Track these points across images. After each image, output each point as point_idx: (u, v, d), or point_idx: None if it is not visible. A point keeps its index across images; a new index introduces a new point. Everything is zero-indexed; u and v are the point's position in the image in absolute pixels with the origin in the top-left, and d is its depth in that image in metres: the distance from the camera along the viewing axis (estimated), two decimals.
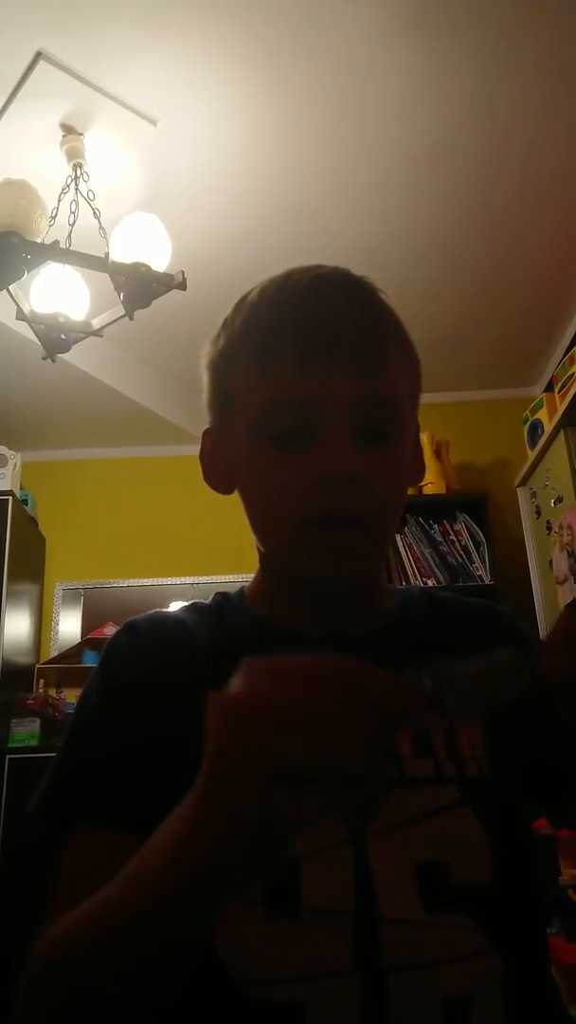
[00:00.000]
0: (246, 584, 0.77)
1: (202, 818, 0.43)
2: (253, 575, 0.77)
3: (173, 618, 0.73)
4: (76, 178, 2.57)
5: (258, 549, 0.74)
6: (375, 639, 0.69)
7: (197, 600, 0.78)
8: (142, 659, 0.69)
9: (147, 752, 0.64)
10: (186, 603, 0.78)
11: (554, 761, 0.68)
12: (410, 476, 0.73)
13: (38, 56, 2.27)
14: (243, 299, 0.72)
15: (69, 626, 3.92)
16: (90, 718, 0.68)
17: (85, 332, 2.49)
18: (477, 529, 3.63)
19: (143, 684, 0.67)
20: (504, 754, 0.66)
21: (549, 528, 3.36)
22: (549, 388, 3.57)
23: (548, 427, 3.33)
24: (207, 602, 0.77)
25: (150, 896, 0.46)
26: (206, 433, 0.75)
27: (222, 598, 0.77)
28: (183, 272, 2.34)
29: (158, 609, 0.75)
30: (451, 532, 3.61)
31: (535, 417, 3.54)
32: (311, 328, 0.65)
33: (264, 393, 0.66)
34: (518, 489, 3.72)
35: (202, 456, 0.76)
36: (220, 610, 0.75)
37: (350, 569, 0.66)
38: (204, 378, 0.75)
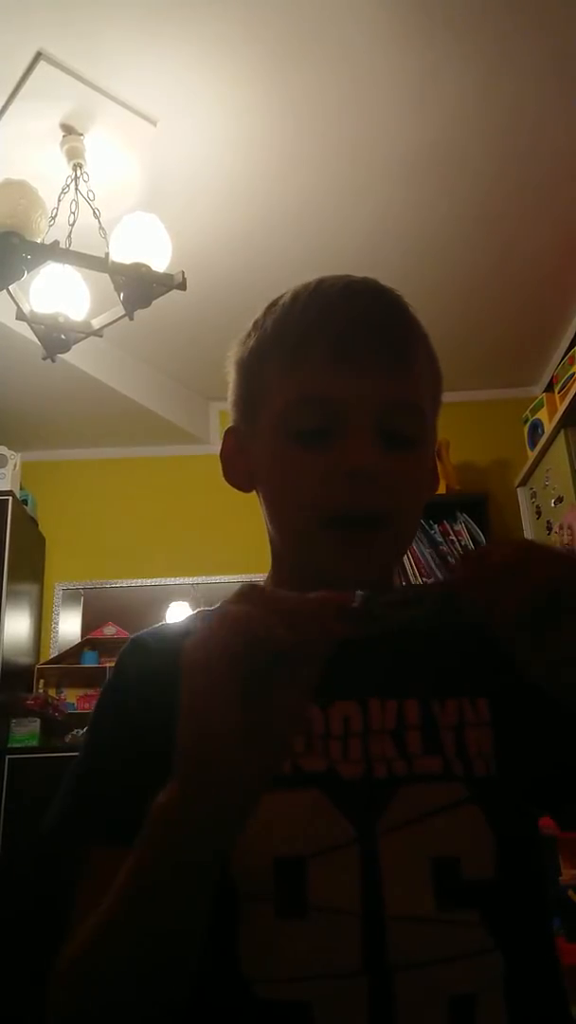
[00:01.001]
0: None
1: (193, 754, 0.48)
2: (253, 575, 0.77)
3: (180, 631, 0.74)
4: (76, 178, 2.57)
5: (272, 546, 0.74)
6: (386, 636, 0.69)
7: (204, 608, 0.78)
8: (150, 676, 0.69)
9: (159, 766, 0.64)
10: (187, 605, 0.78)
11: (559, 763, 0.68)
12: (429, 485, 0.74)
13: (38, 56, 2.27)
14: (274, 303, 0.73)
15: (69, 626, 3.91)
16: (102, 738, 0.69)
17: (85, 332, 2.49)
18: (477, 529, 3.62)
19: (151, 702, 0.68)
20: (511, 754, 0.66)
21: (549, 528, 3.36)
22: (549, 388, 3.57)
23: (548, 427, 3.34)
24: (214, 609, 0.77)
25: (168, 843, 0.50)
26: (229, 431, 0.76)
27: None
28: (183, 272, 2.34)
29: (164, 623, 0.76)
30: (451, 532, 3.61)
31: (535, 417, 3.54)
32: (343, 330, 0.67)
33: (292, 390, 0.67)
34: (518, 489, 3.72)
35: (223, 454, 0.76)
36: None
37: (370, 568, 0.67)
38: (231, 377, 0.76)
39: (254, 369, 0.73)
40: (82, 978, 0.55)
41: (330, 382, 0.66)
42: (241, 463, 0.75)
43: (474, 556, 0.52)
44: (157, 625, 0.76)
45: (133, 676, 0.71)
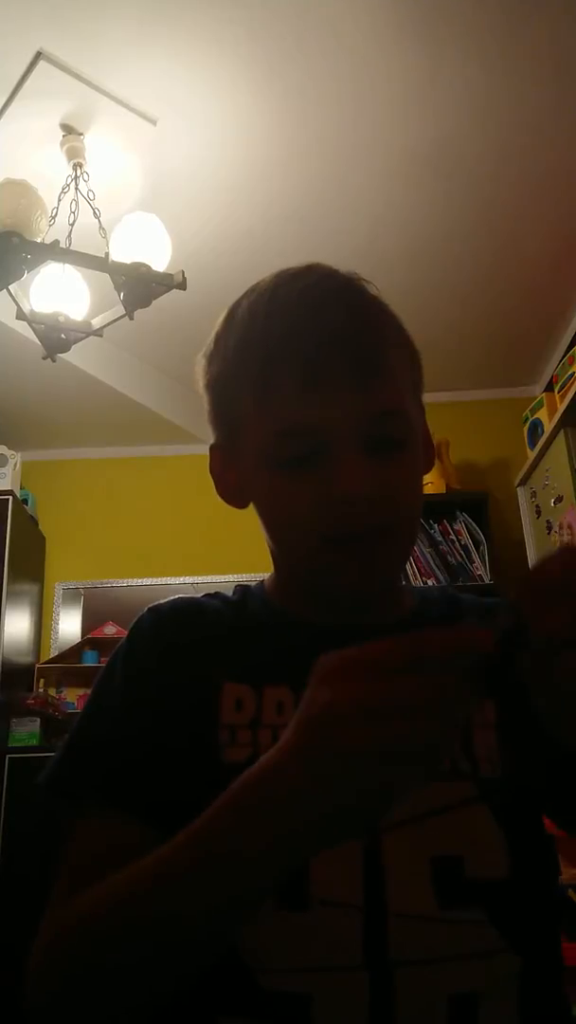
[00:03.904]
0: (265, 579, 0.78)
1: (288, 797, 0.45)
2: (253, 575, 0.77)
3: (196, 603, 0.74)
4: (76, 178, 2.57)
5: (272, 554, 0.74)
6: (391, 631, 0.70)
7: (220, 591, 0.78)
8: (164, 642, 0.70)
9: (161, 735, 0.65)
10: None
11: (562, 768, 0.68)
12: (425, 469, 0.72)
13: (38, 56, 2.27)
14: (232, 314, 0.71)
15: (69, 626, 3.92)
16: (109, 699, 0.69)
17: (85, 332, 2.49)
18: (477, 529, 3.63)
19: (162, 667, 0.69)
20: (517, 755, 0.66)
21: (549, 528, 3.36)
22: (549, 388, 3.57)
23: (548, 427, 3.34)
24: (230, 594, 0.78)
25: (219, 863, 0.48)
26: (213, 448, 0.75)
27: (243, 590, 0.78)
28: (183, 272, 2.34)
29: (182, 595, 0.76)
30: (451, 532, 3.61)
31: (535, 417, 3.54)
32: (310, 353, 0.64)
33: (270, 423, 0.65)
34: (518, 489, 3.72)
35: (212, 471, 0.75)
36: (242, 600, 0.76)
37: (373, 580, 0.67)
38: (204, 397, 0.74)
39: (224, 395, 0.71)
40: (94, 937, 0.54)
41: (305, 411, 0.63)
42: (232, 479, 0.74)
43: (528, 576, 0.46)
44: (172, 597, 0.76)
45: (149, 643, 0.70)
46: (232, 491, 0.74)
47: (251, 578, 0.79)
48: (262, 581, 0.78)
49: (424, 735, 0.42)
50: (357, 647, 0.45)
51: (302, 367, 0.64)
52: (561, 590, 0.43)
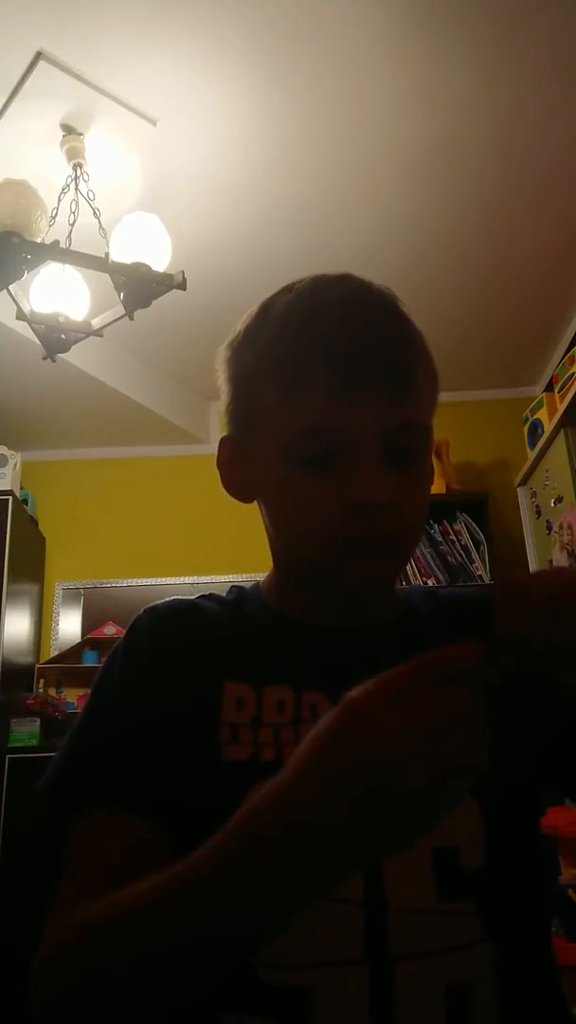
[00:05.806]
0: (260, 581, 0.79)
1: (291, 827, 0.46)
2: (253, 575, 0.78)
3: (194, 604, 0.75)
4: (76, 178, 2.57)
5: (273, 550, 0.75)
6: (386, 630, 0.71)
7: (214, 592, 0.79)
8: (163, 642, 0.71)
9: (163, 734, 0.66)
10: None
11: (567, 742, 0.69)
12: (431, 481, 0.74)
13: (38, 56, 2.27)
14: (266, 310, 0.71)
15: (69, 626, 3.92)
16: (109, 699, 0.69)
17: (85, 332, 2.49)
18: (477, 529, 3.63)
19: (162, 667, 0.69)
20: (510, 746, 0.66)
21: (549, 528, 3.36)
22: (549, 388, 3.57)
23: (548, 427, 3.34)
24: (224, 594, 0.78)
25: (223, 895, 0.48)
26: (224, 441, 0.75)
27: (238, 591, 0.78)
28: (183, 272, 2.34)
29: (178, 596, 0.76)
30: (451, 532, 3.61)
31: (535, 417, 3.54)
32: (344, 357, 0.65)
33: (295, 420, 0.66)
34: (518, 489, 3.73)
35: (220, 464, 0.76)
36: (238, 601, 0.77)
37: (379, 581, 0.69)
38: (225, 388, 0.74)
39: (249, 390, 0.72)
40: (106, 949, 0.53)
41: (333, 413, 0.65)
42: (239, 474, 0.74)
43: (512, 593, 0.48)
44: (169, 598, 0.76)
45: (147, 643, 0.71)
46: (238, 485, 0.75)
47: (250, 578, 0.79)
48: (257, 583, 0.79)
49: (471, 745, 0.44)
50: (373, 681, 0.46)
51: (338, 371, 0.65)
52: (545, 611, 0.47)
